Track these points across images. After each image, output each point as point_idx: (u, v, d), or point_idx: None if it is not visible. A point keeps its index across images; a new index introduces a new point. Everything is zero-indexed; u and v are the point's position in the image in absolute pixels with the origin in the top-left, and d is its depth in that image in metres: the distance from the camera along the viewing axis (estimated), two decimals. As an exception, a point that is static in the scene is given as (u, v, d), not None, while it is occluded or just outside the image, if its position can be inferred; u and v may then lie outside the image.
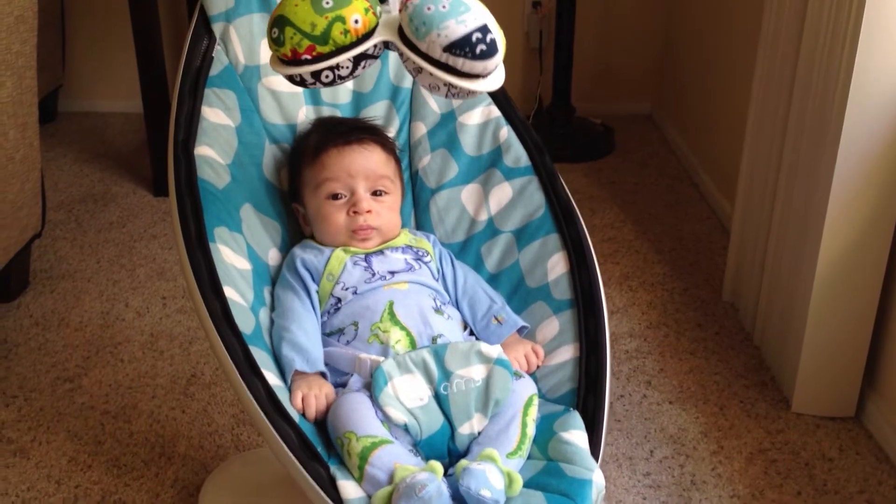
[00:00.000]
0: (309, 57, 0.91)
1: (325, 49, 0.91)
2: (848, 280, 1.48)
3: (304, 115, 1.25)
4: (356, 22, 0.91)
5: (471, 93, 0.93)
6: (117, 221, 2.27)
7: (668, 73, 2.86)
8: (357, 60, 0.93)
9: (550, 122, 2.73)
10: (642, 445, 1.49)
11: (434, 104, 1.28)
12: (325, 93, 1.26)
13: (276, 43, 0.92)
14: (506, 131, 1.24)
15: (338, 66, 0.93)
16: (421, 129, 1.27)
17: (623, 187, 2.46)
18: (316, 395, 0.99)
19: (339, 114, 1.27)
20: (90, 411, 1.57)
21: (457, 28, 0.89)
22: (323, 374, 1.02)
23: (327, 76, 0.93)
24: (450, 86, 0.92)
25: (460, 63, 0.90)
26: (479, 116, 1.26)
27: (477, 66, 0.91)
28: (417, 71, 0.93)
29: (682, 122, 2.68)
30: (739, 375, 1.68)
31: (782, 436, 1.52)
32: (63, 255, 2.10)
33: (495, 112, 1.26)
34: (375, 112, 1.28)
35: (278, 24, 0.91)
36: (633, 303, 1.91)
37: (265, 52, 1.20)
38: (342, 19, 0.90)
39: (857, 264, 1.47)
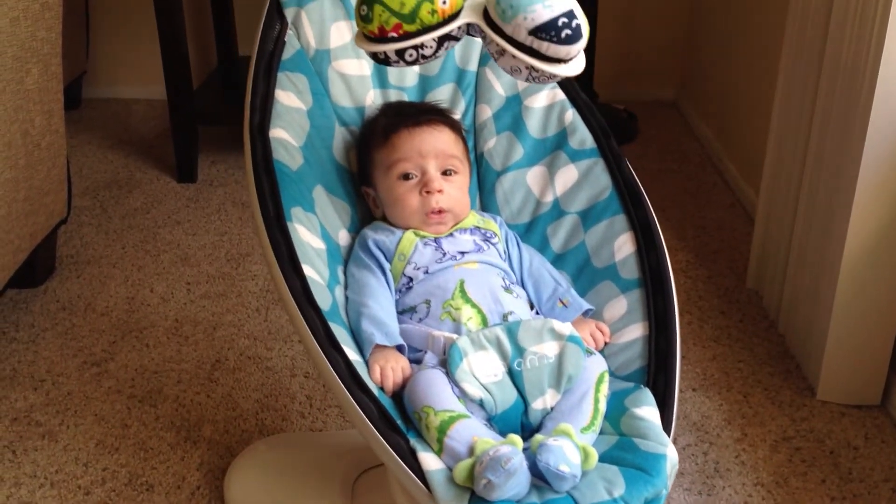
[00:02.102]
0: (396, 35, 0.93)
1: (412, 28, 0.93)
2: (874, 267, 1.47)
3: (371, 98, 1.26)
4: (444, 2, 0.93)
5: (552, 76, 0.94)
6: (141, 207, 2.28)
7: (691, 58, 2.84)
8: (441, 41, 0.95)
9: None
10: (665, 432, 1.49)
11: (499, 87, 1.28)
12: (392, 76, 1.27)
13: (364, 20, 0.94)
14: (571, 114, 1.24)
15: (422, 46, 0.94)
16: (486, 111, 1.28)
17: (646, 174, 2.45)
18: (393, 368, 1.00)
19: (405, 97, 1.28)
20: (117, 395, 1.59)
21: (543, 12, 0.90)
22: (400, 348, 1.04)
23: (411, 55, 0.95)
24: (531, 69, 0.93)
25: (545, 47, 0.91)
26: (545, 99, 1.26)
27: (561, 50, 0.92)
28: (500, 53, 0.94)
29: (706, 108, 2.66)
30: (763, 363, 1.67)
31: (807, 424, 1.52)
32: (88, 240, 2.12)
33: (560, 95, 1.26)
34: (441, 95, 1.29)
35: (367, 2, 0.93)
36: (656, 290, 1.90)
37: (335, 37, 1.23)
38: None
39: (884, 252, 1.46)
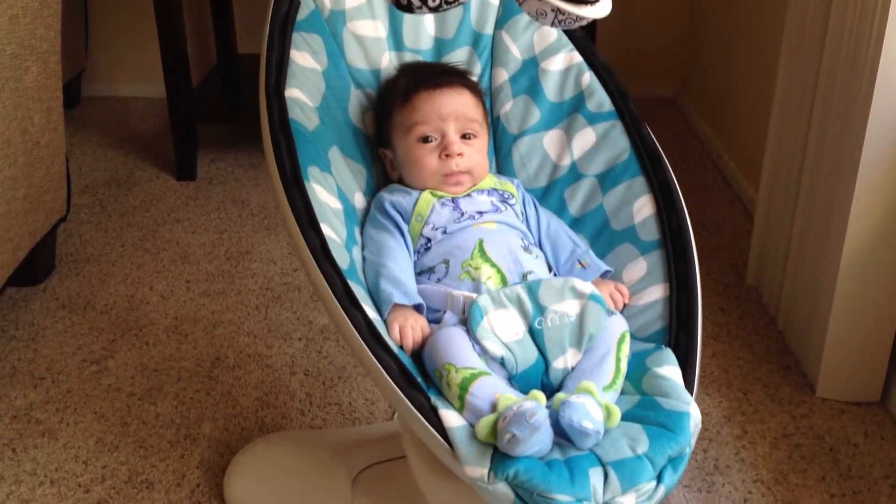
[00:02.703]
0: None
1: None
2: (874, 263, 1.47)
3: (387, 60, 1.25)
4: None
5: (579, 19, 0.92)
6: (141, 205, 2.28)
7: (691, 56, 2.84)
8: None
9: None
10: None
11: (516, 50, 1.27)
12: (408, 38, 1.26)
13: None
14: (588, 77, 1.23)
15: None
16: (503, 75, 1.27)
17: (645, 171, 2.45)
18: (412, 327, 1.00)
19: (420, 59, 1.26)
20: (116, 393, 1.59)
21: None
22: (418, 307, 1.03)
23: (434, 0, 0.92)
24: (557, 11, 0.91)
25: None
26: (561, 62, 1.24)
27: None
28: None
29: (706, 105, 2.66)
30: (763, 360, 1.67)
31: (806, 420, 1.52)
32: (88, 238, 2.11)
33: (577, 58, 1.24)
34: (457, 58, 1.27)
35: None
36: (655, 287, 1.90)
37: None
38: None
39: (884, 248, 1.46)
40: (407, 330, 0.99)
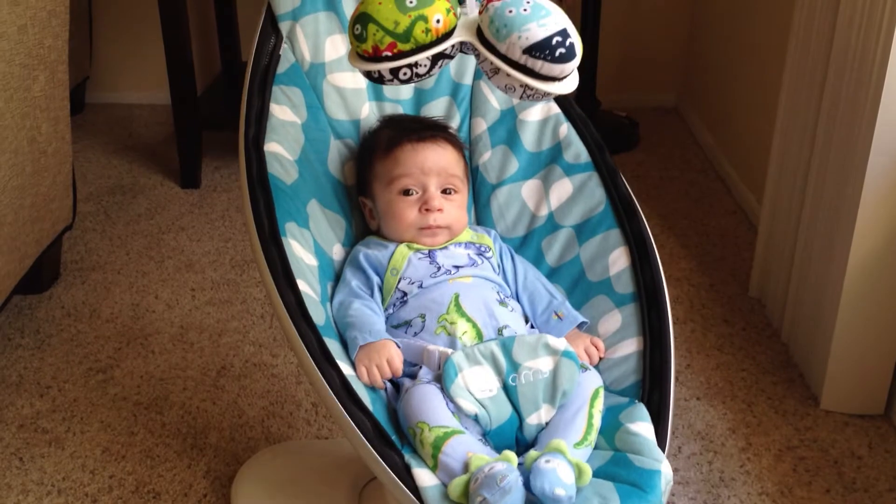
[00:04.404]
0: (390, 54, 0.94)
1: (406, 47, 0.94)
2: (879, 276, 1.47)
3: (367, 111, 1.27)
4: (437, 21, 0.94)
5: (546, 94, 0.96)
6: (145, 213, 2.29)
7: (693, 64, 2.85)
8: (435, 59, 0.96)
9: (575, 115, 2.72)
10: (670, 442, 1.49)
11: (494, 101, 1.29)
12: (388, 89, 1.28)
13: (357, 39, 0.95)
14: (566, 128, 1.25)
15: (416, 64, 0.95)
16: (481, 125, 1.29)
17: (648, 181, 2.45)
18: (378, 366, 1.01)
19: (400, 110, 1.28)
20: (123, 402, 1.59)
21: (538, 31, 0.91)
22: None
23: (405, 73, 0.96)
24: (526, 87, 0.95)
25: (539, 65, 0.92)
26: (539, 113, 1.27)
27: (555, 68, 0.93)
28: (494, 72, 0.96)
29: (708, 114, 2.67)
30: (767, 372, 1.68)
31: (811, 433, 1.52)
32: (93, 246, 2.12)
33: (555, 109, 1.27)
34: (436, 108, 1.29)
35: (361, 21, 0.94)
36: (659, 298, 1.90)
37: (330, 50, 1.23)
38: (425, 18, 0.93)
39: (889, 260, 1.46)
40: (373, 371, 1.01)
